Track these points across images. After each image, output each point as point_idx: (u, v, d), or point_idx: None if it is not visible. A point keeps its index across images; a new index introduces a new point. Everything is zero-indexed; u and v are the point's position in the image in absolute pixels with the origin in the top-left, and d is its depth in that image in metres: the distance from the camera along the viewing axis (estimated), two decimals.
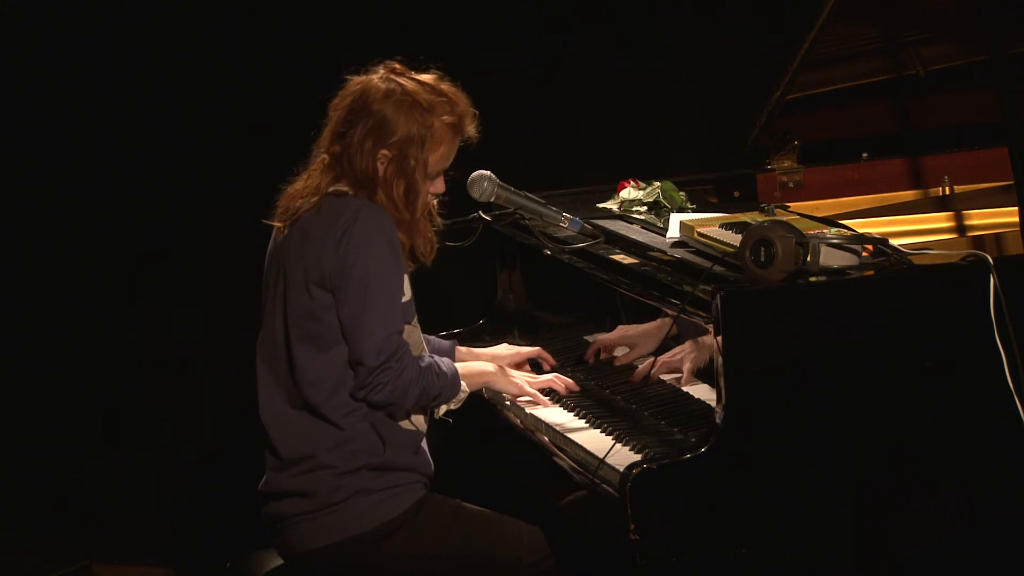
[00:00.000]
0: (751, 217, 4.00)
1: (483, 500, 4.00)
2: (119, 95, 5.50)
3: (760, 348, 3.57)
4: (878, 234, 3.96)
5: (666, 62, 5.40)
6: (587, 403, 4.09)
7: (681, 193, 4.43)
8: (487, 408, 4.15)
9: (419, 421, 3.87)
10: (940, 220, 4.60)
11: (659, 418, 3.92)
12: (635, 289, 3.95)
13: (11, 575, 5.46)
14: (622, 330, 4.30)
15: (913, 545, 3.70)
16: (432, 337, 4.21)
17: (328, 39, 5.43)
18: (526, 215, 4.24)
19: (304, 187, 3.84)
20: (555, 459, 3.88)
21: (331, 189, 3.81)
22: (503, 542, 3.87)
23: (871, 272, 3.68)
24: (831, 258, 3.62)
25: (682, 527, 3.55)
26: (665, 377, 4.11)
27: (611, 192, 4.54)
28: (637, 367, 4.20)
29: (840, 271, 3.63)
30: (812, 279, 3.62)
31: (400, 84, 3.81)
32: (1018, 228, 4.02)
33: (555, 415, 4.05)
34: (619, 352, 4.31)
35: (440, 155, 3.84)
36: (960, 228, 4.58)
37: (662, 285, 3.83)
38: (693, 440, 3.68)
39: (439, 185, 3.89)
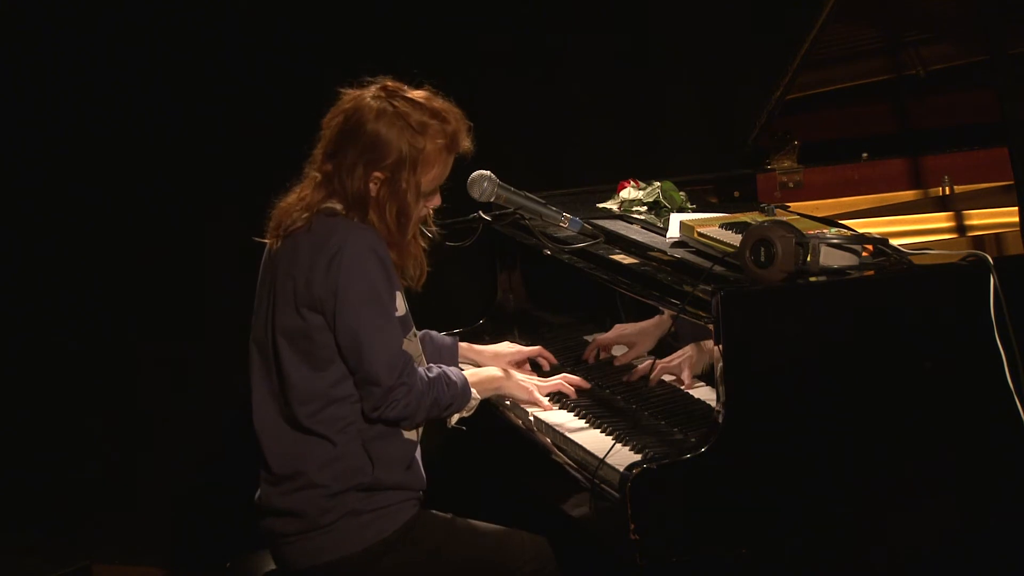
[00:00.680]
0: (751, 217, 4.00)
1: (487, 505, 4.01)
2: (119, 95, 5.50)
3: (760, 348, 3.57)
4: (878, 234, 3.96)
5: (666, 62, 5.40)
6: (587, 403, 4.09)
7: (681, 193, 4.43)
8: (487, 408, 4.15)
9: (412, 432, 3.85)
10: (940, 220, 4.60)
11: (659, 418, 3.92)
12: (635, 289, 3.95)
13: (11, 575, 5.46)
14: (620, 329, 4.30)
15: (913, 545, 3.70)
16: (434, 332, 4.21)
17: (328, 40, 5.43)
18: (526, 215, 4.24)
19: (297, 201, 3.81)
20: (555, 459, 3.88)
21: (323, 206, 3.78)
22: (503, 553, 3.85)
23: (871, 272, 3.68)
24: (831, 258, 3.62)
25: (682, 527, 3.55)
26: (665, 377, 4.11)
27: (611, 192, 4.54)
28: (636, 367, 4.19)
29: (840, 271, 3.63)
30: (812, 279, 3.62)
31: (392, 105, 3.77)
32: (1018, 228, 4.02)
33: (555, 415, 4.05)
34: (618, 352, 4.31)
35: (433, 176, 3.82)
36: (960, 228, 4.58)
37: (662, 285, 3.83)
38: (693, 440, 3.67)
39: (435, 200, 3.87)
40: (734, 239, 3.81)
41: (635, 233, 4.23)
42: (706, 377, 4.04)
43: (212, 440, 5.52)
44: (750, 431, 3.56)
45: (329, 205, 3.78)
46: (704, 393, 3.98)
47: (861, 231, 3.84)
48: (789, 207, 4.41)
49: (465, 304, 4.90)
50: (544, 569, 3.88)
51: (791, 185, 4.88)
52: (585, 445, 3.82)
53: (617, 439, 3.81)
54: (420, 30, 5.44)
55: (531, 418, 4.04)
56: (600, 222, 4.29)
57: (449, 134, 3.80)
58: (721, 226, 3.94)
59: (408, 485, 3.81)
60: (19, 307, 5.65)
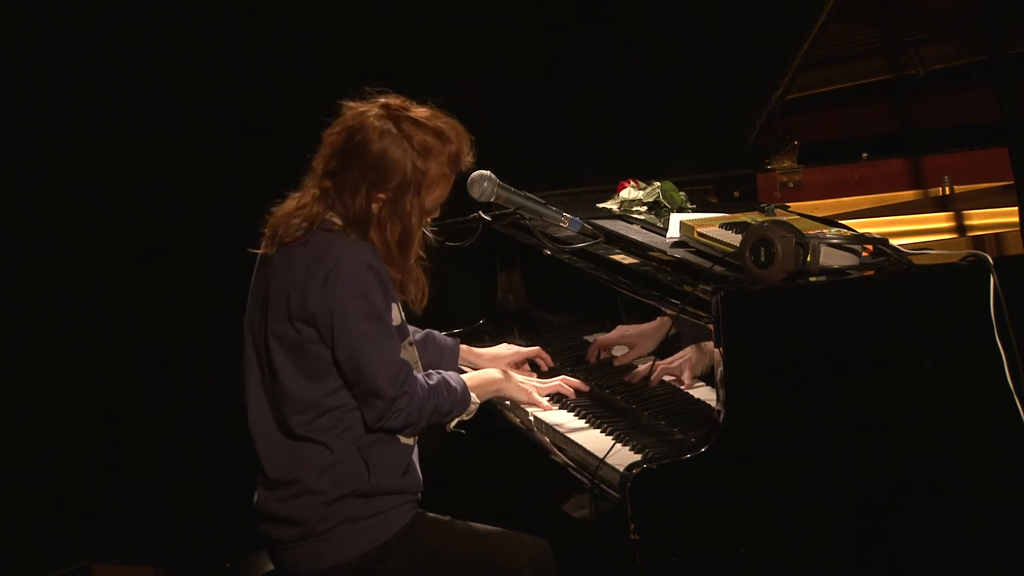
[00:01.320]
0: (751, 217, 4.00)
1: (486, 507, 4.01)
2: (119, 95, 5.50)
3: (760, 348, 3.57)
4: (878, 234, 3.96)
5: (666, 62, 5.40)
6: (587, 403, 4.08)
7: (681, 193, 4.43)
8: (487, 409, 4.14)
9: (408, 437, 3.84)
10: (940, 220, 4.60)
11: (659, 418, 3.92)
12: (635, 289, 3.95)
13: (11, 575, 5.46)
14: (621, 330, 4.30)
15: (913, 545, 3.70)
16: (436, 333, 4.21)
17: (328, 40, 5.43)
18: (526, 215, 4.24)
19: (295, 211, 3.77)
20: (555, 459, 3.87)
21: (323, 218, 3.74)
22: (502, 555, 3.85)
23: (871, 272, 3.68)
24: (831, 258, 3.62)
25: (682, 527, 3.55)
26: (665, 378, 4.11)
27: (611, 192, 4.54)
28: (637, 367, 4.19)
29: (840, 271, 3.63)
30: (812, 279, 3.62)
31: (397, 126, 3.72)
32: (1018, 228, 4.02)
33: (555, 415, 4.05)
34: (618, 352, 4.31)
35: (437, 196, 3.79)
36: (960, 228, 4.58)
37: (662, 285, 3.83)
38: (693, 440, 3.67)
39: (434, 213, 3.86)
40: (734, 239, 3.81)
41: (635, 233, 4.23)
42: (706, 377, 4.04)
43: (212, 440, 5.52)
44: (750, 431, 3.56)
45: (330, 218, 3.75)
46: (704, 393, 3.97)
47: (861, 231, 3.84)
48: (789, 207, 4.41)
49: (465, 304, 4.90)
50: (544, 571, 3.87)
51: (791, 185, 4.88)
52: (585, 445, 3.82)
53: (617, 439, 3.81)
54: (420, 30, 5.44)
55: (531, 418, 4.04)
56: (600, 222, 4.29)
57: (453, 154, 3.77)
58: (721, 226, 3.94)
59: (405, 489, 3.80)
60: (19, 307, 5.65)
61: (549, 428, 3.97)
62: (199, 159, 5.52)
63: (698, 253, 3.95)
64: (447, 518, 3.86)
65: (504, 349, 4.29)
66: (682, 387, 4.05)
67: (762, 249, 3.59)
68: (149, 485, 5.62)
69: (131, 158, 5.54)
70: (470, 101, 5.48)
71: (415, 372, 3.78)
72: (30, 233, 5.62)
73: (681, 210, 4.37)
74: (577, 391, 4.14)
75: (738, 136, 4.92)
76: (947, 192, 4.83)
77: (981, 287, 3.64)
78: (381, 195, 3.72)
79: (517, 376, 4.13)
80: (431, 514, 3.85)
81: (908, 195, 4.86)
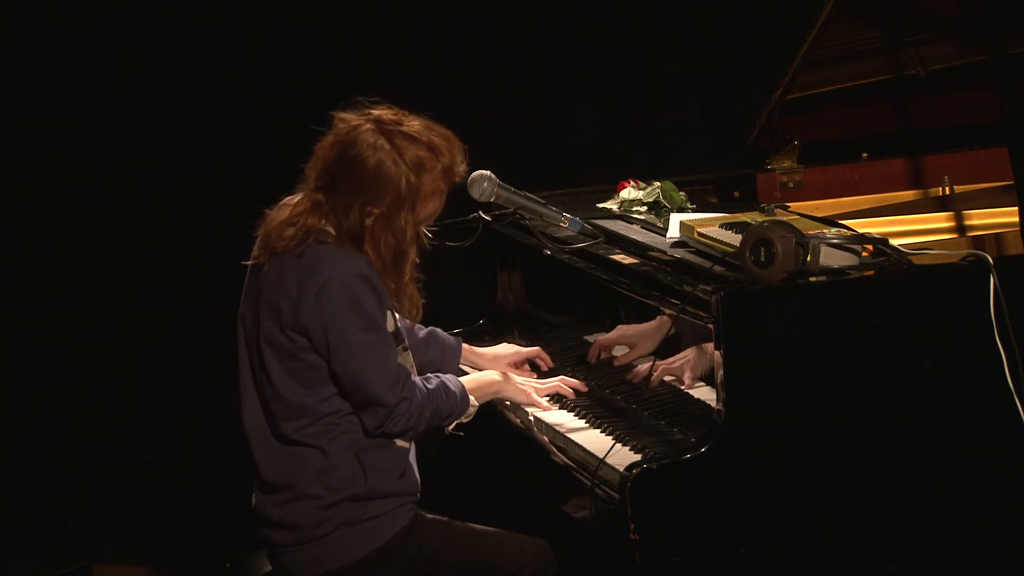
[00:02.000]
0: (751, 217, 4.00)
1: (486, 507, 4.00)
2: (119, 95, 5.50)
3: (760, 348, 3.57)
4: (878, 234, 3.96)
5: (666, 62, 5.40)
6: (587, 403, 4.08)
7: (681, 193, 4.43)
8: (487, 409, 4.14)
9: (403, 441, 3.84)
10: (940, 220, 4.61)
11: (659, 418, 3.92)
12: (635, 289, 3.95)
13: (11, 575, 5.46)
14: (621, 330, 4.30)
15: (913, 545, 3.70)
16: (439, 331, 4.20)
17: (328, 40, 5.43)
18: (526, 215, 4.24)
19: (289, 219, 3.75)
20: (555, 459, 3.87)
21: (318, 228, 3.71)
22: (502, 556, 3.84)
23: (871, 272, 3.68)
24: (831, 258, 3.62)
25: (682, 527, 3.55)
26: (665, 378, 4.10)
27: (611, 192, 4.54)
28: (637, 367, 4.19)
29: (840, 271, 3.63)
30: (812, 279, 3.62)
31: (390, 142, 3.68)
32: (1018, 228, 4.03)
33: (555, 415, 4.05)
34: (619, 352, 4.31)
35: (431, 210, 3.77)
36: (960, 228, 4.58)
37: (662, 285, 3.83)
38: (693, 440, 3.67)
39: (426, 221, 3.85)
40: (734, 239, 3.81)
41: (635, 233, 4.23)
42: (706, 377, 4.04)
43: (212, 441, 5.51)
44: (750, 431, 3.56)
45: (323, 228, 3.72)
46: (704, 393, 3.97)
47: (861, 231, 3.84)
48: (789, 207, 4.41)
49: (465, 304, 4.90)
50: (544, 571, 3.86)
51: (791, 185, 4.88)
52: (585, 445, 3.82)
53: (617, 439, 3.81)
54: (420, 30, 5.44)
55: (531, 418, 4.04)
56: (600, 222, 4.29)
57: (446, 167, 3.74)
58: (721, 226, 3.94)
59: (403, 491, 3.79)
60: (19, 307, 5.64)
61: (549, 428, 3.97)
62: (200, 158, 5.52)
63: (698, 253, 3.95)
64: (446, 519, 3.86)
65: (504, 349, 4.29)
66: (682, 387, 4.05)
67: (762, 249, 3.59)
68: (149, 485, 5.61)
69: (131, 158, 5.54)
70: (470, 101, 5.50)
71: (413, 377, 3.78)
72: (30, 233, 5.62)
73: (681, 210, 4.37)
74: (576, 391, 4.14)
75: (738, 136, 4.92)
76: (947, 192, 4.83)
77: (981, 287, 3.64)
78: (375, 210, 3.69)
79: (516, 377, 4.13)
80: (430, 515, 3.84)
81: (908, 195, 4.86)
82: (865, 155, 4.92)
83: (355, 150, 3.69)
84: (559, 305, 4.58)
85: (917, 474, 3.67)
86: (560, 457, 3.86)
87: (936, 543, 3.71)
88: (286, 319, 3.70)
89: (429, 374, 3.88)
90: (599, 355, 4.34)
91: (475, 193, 4.17)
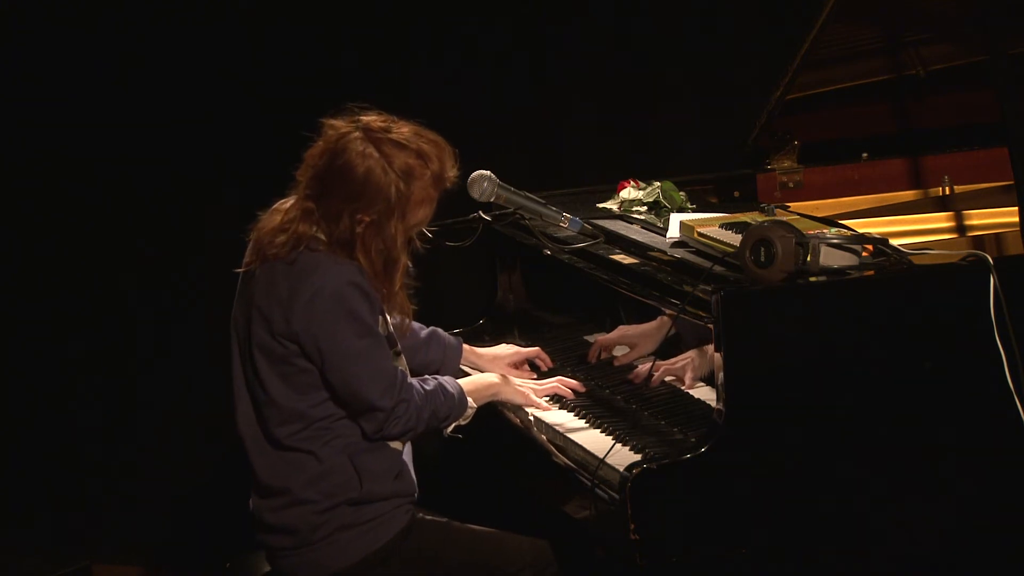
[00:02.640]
0: (751, 217, 4.00)
1: (485, 508, 4.00)
2: (119, 95, 5.50)
3: (760, 348, 3.57)
4: (878, 234, 3.96)
5: (666, 62, 5.40)
6: (587, 403, 4.08)
7: (681, 193, 4.43)
8: (487, 409, 4.14)
9: (397, 442, 3.83)
10: (940, 220, 4.61)
11: (659, 418, 3.92)
12: (635, 289, 3.95)
13: (11, 575, 5.46)
14: (622, 330, 4.30)
15: (913, 545, 3.70)
16: (440, 331, 4.20)
17: (327, 39, 5.43)
18: (526, 215, 4.24)
19: (281, 225, 3.74)
20: (555, 459, 3.87)
21: (310, 235, 3.70)
22: (502, 556, 3.84)
23: (871, 272, 3.68)
24: (831, 258, 3.62)
25: (682, 527, 3.55)
26: (666, 378, 4.10)
27: (611, 192, 4.54)
28: (637, 367, 4.19)
29: (840, 271, 3.63)
30: (812, 279, 3.62)
31: (379, 150, 3.67)
32: (1018, 228, 4.03)
33: (555, 415, 4.05)
34: (619, 352, 4.31)
35: (421, 217, 3.75)
36: (960, 228, 4.58)
37: (662, 285, 3.83)
38: (693, 440, 3.67)
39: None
40: (734, 239, 3.81)
41: (635, 233, 4.23)
42: (706, 377, 4.04)
43: (212, 441, 5.51)
44: (750, 431, 3.56)
45: (314, 235, 3.71)
46: (704, 393, 3.97)
47: (861, 231, 3.84)
48: (789, 207, 4.41)
49: (465, 304, 4.90)
50: (544, 572, 3.86)
51: (791, 185, 4.88)
52: (585, 445, 3.82)
53: (617, 439, 3.81)
54: (420, 30, 5.44)
55: (531, 418, 4.04)
56: (600, 222, 4.29)
57: (436, 174, 3.72)
58: (721, 226, 3.94)
59: (400, 493, 3.79)
60: (19, 307, 5.64)
61: (549, 428, 3.97)
62: (200, 159, 5.52)
63: (698, 253, 3.95)
64: (445, 520, 3.86)
65: (504, 349, 4.29)
66: (683, 388, 4.05)
67: (762, 249, 3.59)
68: (149, 485, 5.62)
69: (131, 158, 5.54)
70: (470, 101, 5.50)
71: (409, 379, 3.78)
72: (30, 233, 5.62)
73: (681, 210, 4.37)
74: (576, 391, 4.13)
75: (738, 136, 4.92)
76: (947, 192, 4.83)
77: (981, 287, 3.64)
78: (365, 218, 3.68)
79: (515, 379, 4.12)
80: (429, 516, 3.84)
81: (908, 195, 4.86)
82: (865, 155, 4.92)
83: (344, 158, 3.68)
84: (559, 305, 4.58)
85: (917, 474, 3.67)
86: (560, 457, 3.85)
87: (936, 543, 3.71)
88: (277, 326, 3.70)
89: (427, 376, 3.88)
90: (599, 355, 4.34)
91: (475, 193, 4.18)
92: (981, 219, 4.57)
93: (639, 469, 3.51)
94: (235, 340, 3.84)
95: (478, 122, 5.40)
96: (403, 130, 3.72)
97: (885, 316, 3.65)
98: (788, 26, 4.93)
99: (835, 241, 3.63)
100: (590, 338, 4.44)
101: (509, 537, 3.88)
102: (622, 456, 3.70)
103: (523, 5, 5.44)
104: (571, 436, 3.89)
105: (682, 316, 3.71)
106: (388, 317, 3.78)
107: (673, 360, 4.09)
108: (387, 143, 3.68)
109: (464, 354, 4.22)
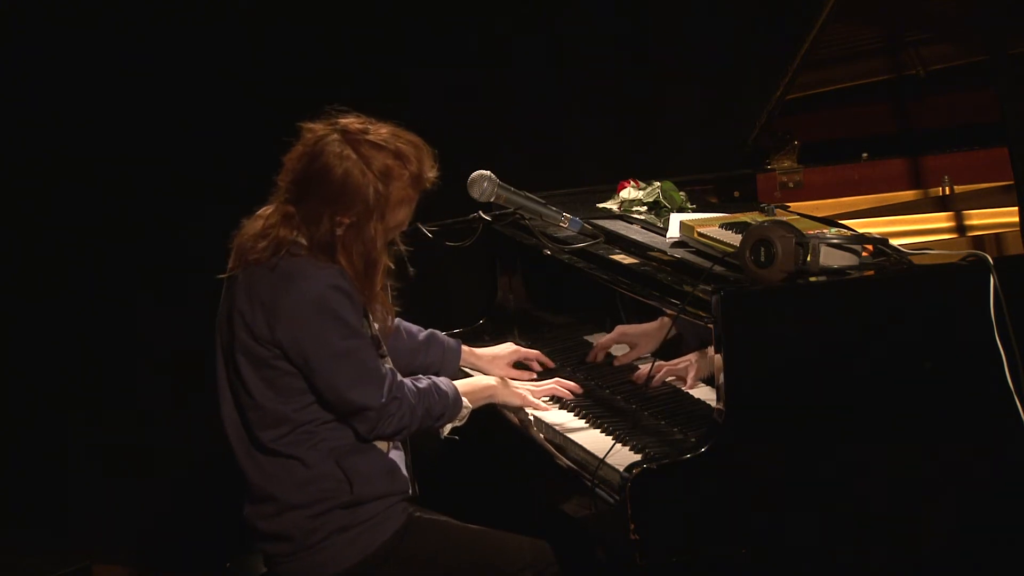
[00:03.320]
0: (751, 217, 4.00)
1: (485, 508, 4.00)
2: (119, 95, 5.50)
3: (760, 348, 3.57)
4: (878, 234, 3.96)
5: (666, 62, 5.40)
6: (587, 403, 4.08)
7: (681, 193, 4.43)
8: (487, 408, 4.14)
9: (383, 443, 3.82)
10: (940, 220, 4.61)
11: (659, 418, 3.92)
12: (635, 289, 3.95)
13: (11, 575, 5.46)
14: (622, 330, 4.30)
15: (913, 545, 3.70)
16: (439, 333, 4.20)
17: (326, 39, 5.43)
18: (526, 215, 4.24)
19: (262, 231, 3.75)
20: (555, 459, 3.87)
21: (291, 240, 3.71)
22: (502, 556, 3.83)
23: (871, 272, 3.68)
24: (831, 258, 3.62)
25: (682, 527, 3.55)
26: (667, 378, 4.10)
27: (611, 192, 4.54)
28: (638, 367, 4.19)
29: (840, 271, 3.63)
30: (812, 279, 3.62)
31: (356, 151, 3.67)
32: (1018, 228, 4.03)
33: (555, 415, 4.05)
34: (618, 352, 4.31)
35: (401, 217, 3.75)
36: (960, 228, 4.58)
37: (662, 285, 3.83)
38: (693, 440, 3.67)
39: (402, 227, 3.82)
40: (734, 239, 3.81)
41: (635, 233, 4.23)
42: (706, 377, 4.04)
43: (212, 441, 5.51)
44: (750, 431, 3.56)
45: (295, 240, 3.71)
46: (704, 393, 3.97)
47: (861, 231, 3.84)
48: (789, 207, 4.41)
49: (465, 304, 4.90)
50: (544, 572, 3.85)
51: (791, 185, 4.88)
52: (585, 445, 3.82)
53: (617, 439, 3.81)
54: (420, 30, 5.44)
55: (531, 418, 4.03)
56: (600, 222, 4.29)
57: (414, 175, 3.71)
58: (721, 226, 3.94)
59: (392, 492, 3.78)
60: (19, 307, 5.64)
61: (549, 428, 3.97)
62: (199, 159, 5.51)
63: (698, 253, 3.95)
64: (445, 519, 3.85)
65: (503, 348, 4.29)
66: (683, 387, 4.05)
67: (762, 249, 3.59)
68: (148, 486, 5.61)
69: (131, 158, 5.53)
70: (470, 101, 5.50)
71: (401, 378, 3.78)
72: (30, 233, 5.61)
73: (681, 210, 4.37)
74: (574, 393, 4.13)
75: (738, 136, 4.92)
76: (947, 192, 4.83)
77: (981, 287, 3.64)
78: (345, 220, 3.68)
79: (512, 381, 4.12)
80: (429, 516, 3.84)
81: (908, 195, 4.86)
82: (865, 155, 4.92)
83: (322, 160, 3.68)
84: (559, 305, 4.58)
85: (917, 474, 3.67)
86: (560, 457, 3.85)
87: (936, 543, 3.71)
88: (260, 331, 3.69)
89: (419, 375, 3.87)
90: (598, 357, 4.33)
91: (475, 193, 4.18)
92: (981, 219, 4.57)
93: (639, 469, 3.51)
94: (219, 345, 3.83)
95: (478, 122, 5.40)
96: (381, 131, 3.72)
97: (885, 316, 3.65)
98: (788, 26, 4.92)
99: (835, 241, 3.63)
100: (590, 338, 4.44)
101: (509, 537, 3.88)
102: (622, 456, 3.69)
103: (523, 5, 5.43)
104: (571, 436, 3.89)
105: (682, 316, 3.71)
106: (372, 319, 3.78)
107: (675, 361, 4.09)
108: (365, 144, 3.69)
109: (463, 355, 4.22)
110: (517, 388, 4.08)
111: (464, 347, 4.23)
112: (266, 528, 3.77)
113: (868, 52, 4.83)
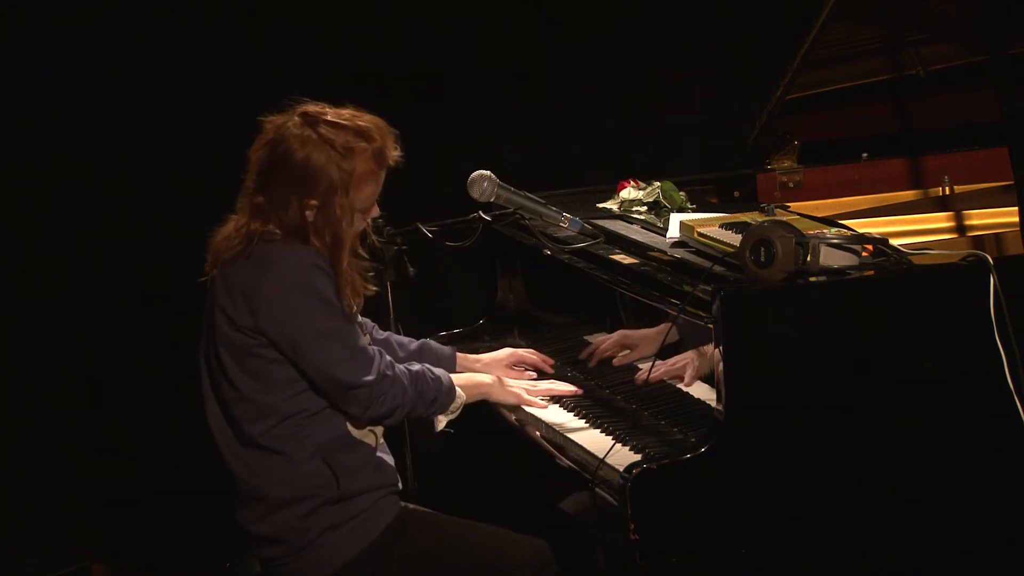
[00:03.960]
0: (751, 217, 4.00)
1: (485, 507, 4.00)
2: (119, 95, 5.50)
3: (760, 348, 3.57)
4: (878, 234, 3.96)
5: (666, 62, 5.40)
6: (587, 403, 4.08)
7: (681, 193, 4.43)
8: (486, 408, 4.14)
9: (371, 437, 3.82)
10: (940, 220, 4.61)
11: (659, 418, 3.92)
12: (635, 289, 3.95)
13: (11, 575, 5.46)
14: (622, 334, 4.29)
15: (913, 544, 3.70)
16: (433, 342, 4.20)
17: (326, 39, 5.43)
18: (526, 215, 4.24)
19: (234, 232, 3.77)
20: (555, 459, 3.87)
21: (263, 230, 3.73)
22: (501, 555, 3.83)
23: (871, 272, 3.68)
24: (831, 258, 3.62)
25: (682, 527, 3.55)
26: (666, 377, 4.10)
27: (611, 192, 4.54)
28: (639, 367, 4.19)
29: (840, 271, 3.63)
30: (812, 279, 3.62)
31: (317, 132, 3.70)
32: (1018, 228, 4.03)
33: (555, 415, 4.04)
34: (619, 352, 4.30)
35: (367, 194, 3.76)
36: (960, 228, 4.58)
37: (662, 285, 3.83)
38: (693, 440, 3.67)
39: (372, 212, 3.82)
40: (734, 239, 3.81)
41: (635, 233, 4.23)
42: (706, 377, 4.04)
43: (213, 440, 5.51)
44: (750, 431, 3.56)
45: (269, 230, 3.73)
46: (704, 393, 3.97)
47: (861, 231, 3.84)
48: (789, 207, 4.41)
49: (465, 304, 4.89)
50: (544, 571, 3.85)
51: (791, 185, 4.88)
52: (585, 445, 3.82)
53: (617, 439, 3.81)
54: (420, 29, 5.44)
55: (530, 418, 4.03)
56: (600, 222, 4.29)
57: (376, 150, 3.73)
58: (721, 226, 3.94)
59: (380, 484, 3.78)
60: (19, 307, 5.64)
61: (549, 428, 3.97)
62: (199, 159, 5.51)
63: (698, 253, 3.95)
64: (444, 516, 3.85)
65: (500, 352, 4.28)
66: (681, 385, 4.04)
67: (762, 249, 3.59)
68: (149, 485, 5.61)
69: (131, 158, 5.53)
70: (470, 101, 5.50)
71: (388, 357, 3.78)
72: (30, 233, 5.62)
73: (681, 210, 4.37)
74: (569, 393, 4.13)
75: (738, 136, 4.92)
76: (947, 192, 4.83)
77: (981, 287, 3.64)
78: (313, 202, 3.70)
79: (509, 380, 4.12)
80: (427, 512, 3.84)
81: (908, 195, 4.86)
82: (865, 155, 4.92)
83: (283, 145, 3.71)
84: (559, 305, 4.58)
85: (917, 474, 3.67)
86: (560, 457, 3.85)
87: (936, 543, 3.71)
88: (243, 320, 3.69)
89: (411, 361, 3.87)
90: (596, 357, 4.33)
91: (475, 193, 4.18)
92: (981, 219, 4.57)
93: (639, 469, 3.51)
94: (201, 349, 3.83)
95: (478, 122, 5.40)
96: (341, 111, 3.76)
97: (885, 316, 3.65)
98: (788, 26, 4.92)
99: (835, 241, 3.63)
100: (590, 338, 4.43)
101: (508, 535, 3.87)
102: (622, 456, 3.69)
103: (523, 5, 5.43)
104: (571, 436, 3.89)
105: (682, 316, 3.71)
106: (342, 299, 3.78)
107: (673, 360, 4.09)
108: (323, 124, 3.72)
109: (460, 361, 4.21)
110: (512, 387, 4.08)
111: (459, 354, 4.22)
112: (258, 531, 3.77)
113: (868, 52, 4.83)
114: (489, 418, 4.13)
